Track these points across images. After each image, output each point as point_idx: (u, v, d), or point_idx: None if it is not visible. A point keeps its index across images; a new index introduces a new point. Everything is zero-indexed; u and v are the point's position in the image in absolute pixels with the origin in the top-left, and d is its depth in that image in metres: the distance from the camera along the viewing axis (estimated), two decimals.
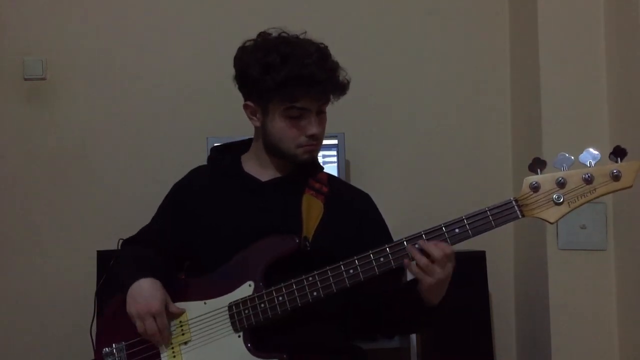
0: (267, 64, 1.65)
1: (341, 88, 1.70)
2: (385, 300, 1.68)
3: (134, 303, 1.61)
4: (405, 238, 1.55)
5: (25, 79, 2.95)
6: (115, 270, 1.76)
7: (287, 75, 1.62)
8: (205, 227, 1.73)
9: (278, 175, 1.77)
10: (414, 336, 2.68)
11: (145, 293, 1.61)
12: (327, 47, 1.71)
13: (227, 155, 1.83)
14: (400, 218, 1.89)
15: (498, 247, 2.91)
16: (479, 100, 3.10)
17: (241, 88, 1.75)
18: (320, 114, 1.71)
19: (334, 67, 1.68)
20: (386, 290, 1.67)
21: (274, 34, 1.71)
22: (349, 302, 1.72)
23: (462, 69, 3.09)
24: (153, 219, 1.86)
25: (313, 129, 1.67)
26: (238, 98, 1.80)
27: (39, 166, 2.96)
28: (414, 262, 1.52)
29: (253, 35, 1.74)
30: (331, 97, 1.70)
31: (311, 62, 1.63)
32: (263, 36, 1.72)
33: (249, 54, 1.70)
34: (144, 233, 1.85)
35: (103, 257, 2.63)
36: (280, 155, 1.73)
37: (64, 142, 2.97)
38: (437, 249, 1.50)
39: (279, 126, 1.68)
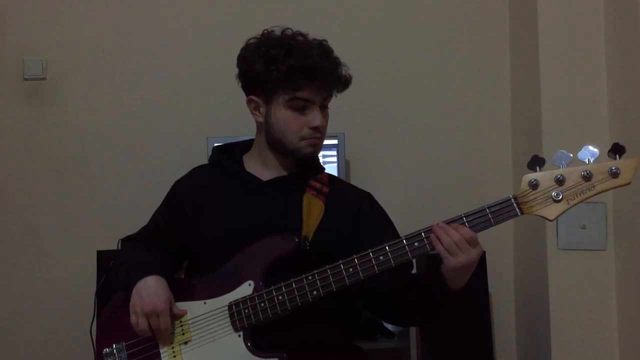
0: (272, 57, 1.67)
1: (344, 82, 1.72)
2: (400, 287, 1.68)
3: (139, 300, 1.61)
4: (405, 236, 1.55)
5: (25, 79, 2.95)
6: (119, 268, 1.76)
7: (292, 65, 1.64)
8: (205, 226, 1.73)
9: (280, 174, 1.76)
10: (413, 336, 2.68)
11: (150, 291, 1.61)
12: (329, 44, 1.73)
13: (228, 155, 1.83)
14: (400, 218, 1.88)
15: (498, 247, 2.91)
16: (479, 99, 3.09)
17: (245, 84, 1.76)
18: (324, 109, 1.72)
19: (337, 61, 1.71)
20: (396, 284, 1.67)
21: (277, 31, 1.73)
22: (349, 302, 1.72)
23: (462, 69, 3.09)
24: (153, 217, 1.86)
25: (317, 121, 1.68)
26: (238, 98, 1.81)
27: (39, 166, 2.96)
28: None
29: (253, 35, 1.75)
30: (334, 90, 1.71)
31: (315, 54, 1.66)
32: (266, 33, 1.74)
33: (253, 50, 1.71)
34: (144, 232, 1.85)
35: (103, 257, 2.63)
36: (282, 150, 1.73)
37: (64, 142, 2.97)
38: (456, 232, 1.50)
39: (283, 117, 1.69)
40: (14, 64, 2.95)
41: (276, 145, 1.73)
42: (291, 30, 1.73)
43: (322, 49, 1.69)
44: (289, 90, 1.66)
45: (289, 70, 1.64)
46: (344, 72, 1.72)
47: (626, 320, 2.61)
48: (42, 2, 2.98)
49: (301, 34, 1.72)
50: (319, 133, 1.70)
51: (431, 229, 1.53)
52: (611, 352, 2.65)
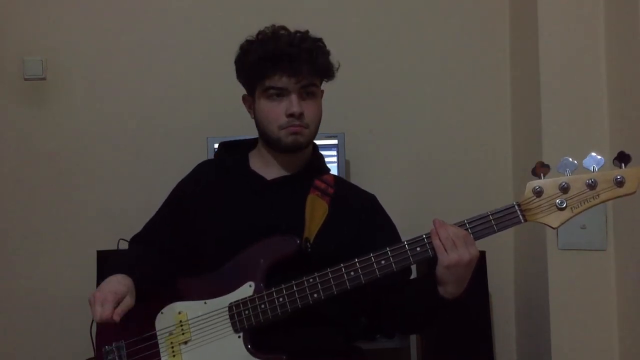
0: (245, 51, 1.71)
1: (321, 68, 1.69)
2: (396, 291, 1.68)
3: (96, 291, 1.60)
4: (407, 241, 1.56)
5: (25, 79, 2.95)
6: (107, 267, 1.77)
7: (259, 54, 1.66)
8: (208, 225, 1.73)
9: (284, 173, 1.76)
10: (413, 336, 2.68)
11: (108, 285, 1.60)
12: (312, 36, 1.72)
13: (234, 152, 1.83)
14: (400, 219, 1.88)
15: (498, 247, 2.90)
16: (479, 100, 3.09)
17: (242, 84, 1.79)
18: (306, 96, 1.70)
19: (312, 48, 1.68)
20: (394, 287, 1.67)
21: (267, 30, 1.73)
22: (349, 305, 1.71)
23: (462, 69, 3.09)
24: (157, 215, 1.86)
25: (292, 108, 1.66)
26: (238, 98, 1.82)
27: (39, 166, 2.96)
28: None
29: (253, 34, 1.76)
30: (309, 76, 1.68)
31: (283, 42, 1.66)
32: (257, 34, 1.74)
33: (239, 50, 1.74)
34: (149, 230, 1.85)
35: (103, 257, 2.63)
36: (269, 143, 1.73)
37: (63, 142, 2.97)
38: (454, 229, 1.51)
39: (262, 109, 1.70)
40: (14, 64, 2.95)
41: (265, 139, 1.74)
42: (284, 28, 1.72)
43: (290, 37, 1.68)
44: (260, 79, 1.68)
45: (257, 59, 1.66)
46: (322, 59, 1.69)
47: (626, 321, 2.61)
48: (42, 2, 2.98)
49: (284, 28, 1.72)
50: (298, 120, 1.68)
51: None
52: (611, 352, 2.64)
